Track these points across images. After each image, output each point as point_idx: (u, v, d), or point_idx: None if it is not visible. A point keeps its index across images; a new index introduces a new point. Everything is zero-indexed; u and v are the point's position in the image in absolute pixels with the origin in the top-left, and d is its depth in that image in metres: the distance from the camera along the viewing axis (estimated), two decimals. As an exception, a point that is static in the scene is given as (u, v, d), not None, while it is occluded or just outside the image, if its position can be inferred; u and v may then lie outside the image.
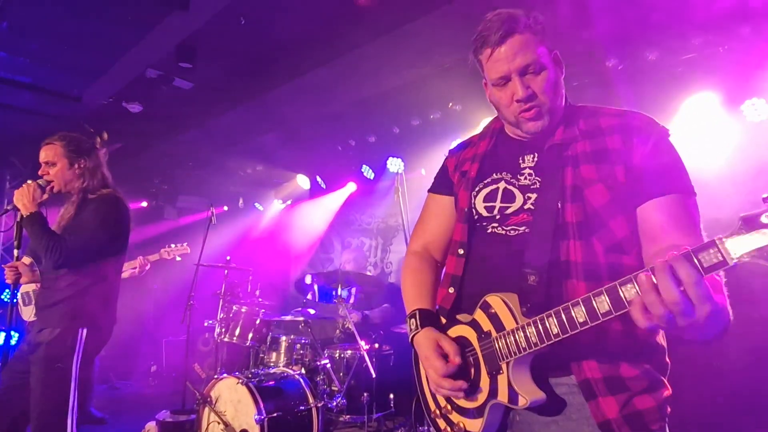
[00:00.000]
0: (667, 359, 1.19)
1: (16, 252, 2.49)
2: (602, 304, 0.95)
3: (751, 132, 3.42)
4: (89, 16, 3.48)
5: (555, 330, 1.02)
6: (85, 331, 2.30)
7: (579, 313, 0.98)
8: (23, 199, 2.33)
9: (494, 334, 1.14)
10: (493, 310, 1.16)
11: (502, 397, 1.12)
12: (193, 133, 5.71)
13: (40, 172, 2.46)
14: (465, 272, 1.31)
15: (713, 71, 3.47)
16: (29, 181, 2.37)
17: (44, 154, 2.47)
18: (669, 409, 1.13)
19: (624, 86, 3.73)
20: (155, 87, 4.45)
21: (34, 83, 4.52)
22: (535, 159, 1.29)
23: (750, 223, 0.80)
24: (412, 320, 1.34)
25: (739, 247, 0.81)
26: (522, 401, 1.07)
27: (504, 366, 1.12)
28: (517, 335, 1.09)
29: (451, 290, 1.32)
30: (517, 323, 1.10)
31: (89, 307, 2.36)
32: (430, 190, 1.56)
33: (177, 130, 5.63)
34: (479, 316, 1.19)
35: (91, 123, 2.61)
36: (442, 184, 1.52)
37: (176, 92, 4.59)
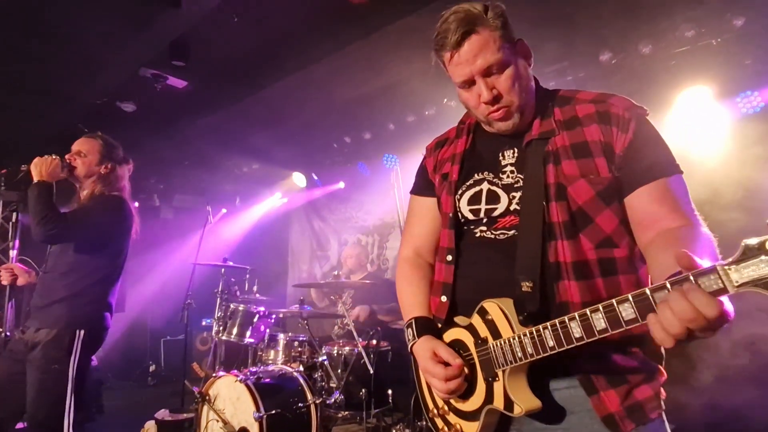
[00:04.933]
0: (663, 350, 1.19)
1: (12, 253, 2.49)
2: (599, 321, 0.94)
3: (745, 125, 3.43)
4: (81, 14, 3.46)
5: (551, 343, 1.01)
6: (83, 332, 2.29)
7: (575, 329, 0.98)
8: (42, 166, 2.33)
9: (491, 341, 1.14)
10: (489, 317, 1.15)
11: (498, 403, 1.12)
12: (188, 131, 5.69)
13: (67, 157, 2.47)
14: (455, 279, 1.29)
15: (707, 64, 3.48)
16: (55, 155, 2.39)
17: (79, 144, 2.51)
18: (665, 394, 1.15)
19: (618, 80, 3.75)
20: (149, 86, 4.43)
21: (26, 84, 4.49)
22: (515, 155, 1.27)
23: (753, 250, 0.77)
24: (409, 330, 1.34)
25: (741, 274, 0.78)
26: (517, 409, 1.08)
27: (500, 373, 1.12)
28: (513, 344, 1.08)
29: (444, 299, 1.31)
30: (513, 332, 1.10)
31: (87, 309, 2.35)
32: (412, 192, 1.53)
33: (171, 128, 5.61)
34: (476, 321, 1.19)
35: (85, 123, 2.62)
36: (423, 186, 1.49)
37: (170, 91, 4.57)
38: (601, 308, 0.93)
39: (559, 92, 1.30)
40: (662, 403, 1.14)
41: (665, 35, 3.52)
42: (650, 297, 0.86)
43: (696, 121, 3.58)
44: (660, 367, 1.17)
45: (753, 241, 0.77)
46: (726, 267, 0.79)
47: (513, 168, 1.26)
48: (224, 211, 6.82)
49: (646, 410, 1.10)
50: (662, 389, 1.15)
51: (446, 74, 1.28)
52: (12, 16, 3.47)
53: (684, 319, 0.80)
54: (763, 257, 0.76)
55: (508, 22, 1.18)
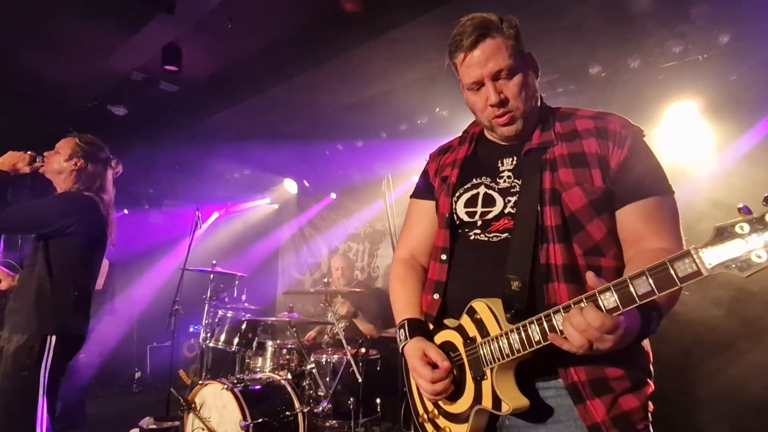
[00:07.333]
0: (651, 367, 1.20)
1: (-6, 257, 2.45)
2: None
3: (731, 140, 3.49)
4: (75, 18, 3.44)
5: (537, 337, 1.03)
6: (54, 338, 2.19)
7: (560, 321, 1.00)
8: (7, 158, 2.35)
9: (479, 339, 1.15)
10: (478, 316, 1.17)
11: (486, 402, 1.13)
12: (179, 136, 5.67)
13: (45, 154, 2.46)
14: (448, 278, 1.31)
15: (693, 79, 3.54)
16: (29, 152, 2.40)
17: (58, 143, 2.49)
18: (652, 407, 1.15)
19: (607, 93, 3.80)
20: (141, 90, 4.41)
21: (19, 87, 4.45)
22: (514, 162, 1.31)
23: (724, 234, 0.82)
24: (401, 331, 1.34)
25: (713, 257, 0.83)
26: (505, 407, 1.08)
27: (488, 372, 1.13)
28: (500, 341, 1.10)
29: (436, 296, 1.32)
30: (501, 329, 1.11)
31: (58, 313, 2.24)
32: (412, 196, 1.57)
33: (162, 133, 5.59)
34: (465, 321, 1.20)
35: (76, 126, 2.60)
36: (423, 189, 1.53)
37: (162, 95, 4.56)
38: (584, 300, 0.97)
39: (561, 109, 1.36)
40: (649, 415, 1.14)
41: (653, 50, 3.59)
42: (629, 284, 0.92)
43: (682, 136, 3.64)
44: (648, 380, 1.17)
45: (724, 225, 0.82)
46: (699, 250, 0.84)
47: (510, 174, 1.30)
48: (216, 215, 6.78)
49: (632, 421, 1.10)
50: (650, 402, 1.15)
51: (453, 78, 1.33)
52: (4, 20, 3.45)
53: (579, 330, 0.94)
54: (734, 240, 0.81)
55: (521, 34, 1.24)
